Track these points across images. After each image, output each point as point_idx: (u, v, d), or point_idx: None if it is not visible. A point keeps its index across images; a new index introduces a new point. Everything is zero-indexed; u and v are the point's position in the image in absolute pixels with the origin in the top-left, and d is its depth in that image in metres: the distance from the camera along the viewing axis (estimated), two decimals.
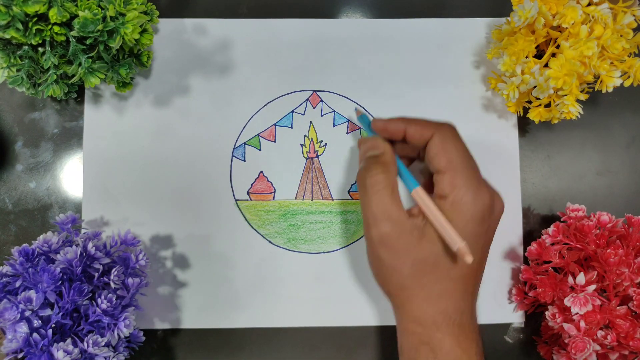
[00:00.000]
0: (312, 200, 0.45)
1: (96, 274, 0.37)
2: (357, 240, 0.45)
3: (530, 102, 0.43)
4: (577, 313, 0.37)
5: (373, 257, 0.35)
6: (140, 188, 0.45)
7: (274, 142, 0.46)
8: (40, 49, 0.37)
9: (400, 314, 0.35)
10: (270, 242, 0.45)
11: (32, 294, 0.34)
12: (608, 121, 0.47)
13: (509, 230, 0.46)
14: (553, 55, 0.40)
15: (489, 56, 0.44)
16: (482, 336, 0.35)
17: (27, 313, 0.34)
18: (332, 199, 0.46)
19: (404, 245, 0.33)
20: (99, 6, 0.36)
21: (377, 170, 0.34)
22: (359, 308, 0.45)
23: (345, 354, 0.45)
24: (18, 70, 0.38)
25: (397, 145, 0.38)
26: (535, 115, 0.42)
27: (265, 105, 0.46)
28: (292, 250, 0.45)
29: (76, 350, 0.34)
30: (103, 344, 0.35)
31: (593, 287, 0.38)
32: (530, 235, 0.46)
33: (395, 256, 0.34)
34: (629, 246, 0.39)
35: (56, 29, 0.35)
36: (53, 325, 0.35)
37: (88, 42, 0.36)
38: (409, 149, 0.38)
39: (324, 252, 0.45)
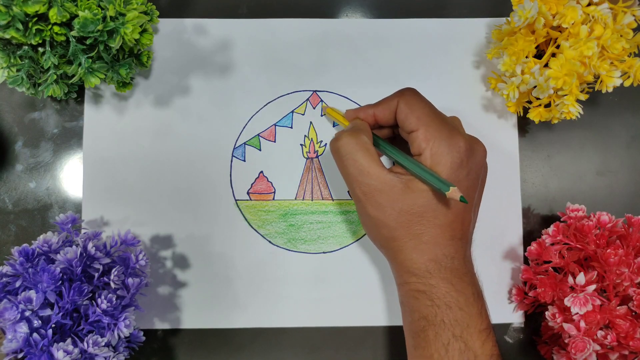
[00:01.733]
0: (312, 200, 0.45)
1: (96, 274, 0.37)
2: (357, 240, 0.45)
3: (530, 102, 0.43)
4: (577, 313, 0.37)
5: (361, 214, 0.38)
6: (140, 188, 0.45)
7: (274, 142, 0.46)
8: (40, 49, 0.37)
9: (395, 266, 0.37)
10: (270, 242, 0.45)
11: (32, 294, 0.34)
12: (608, 121, 0.47)
13: (509, 230, 0.46)
14: (553, 55, 0.40)
15: (489, 56, 0.44)
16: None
17: (27, 313, 0.34)
18: (332, 199, 0.46)
19: (388, 198, 0.35)
20: (99, 6, 0.36)
21: (346, 135, 0.37)
22: (359, 308, 0.45)
23: (345, 354, 0.45)
24: (18, 70, 0.38)
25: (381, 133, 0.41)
26: (535, 115, 0.42)
27: (265, 105, 0.46)
28: (292, 251, 0.45)
29: (76, 350, 0.34)
30: (103, 344, 0.35)
31: (593, 287, 0.38)
32: (530, 235, 0.46)
33: (380, 209, 0.35)
34: (629, 246, 0.39)
35: (56, 29, 0.35)
36: (53, 325, 0.35)
37: (88, 42, 0.36)
38: (388, 131, 0.42)
39: (324, 252, 0.45)
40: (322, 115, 0.46)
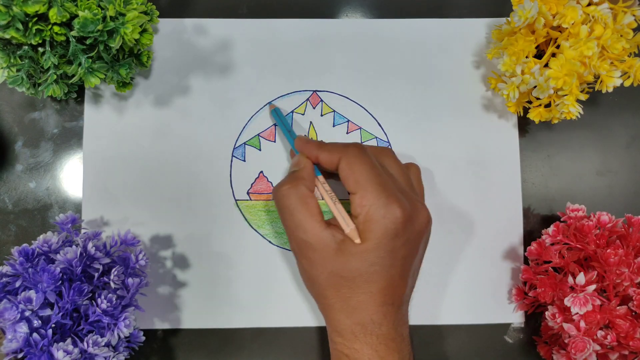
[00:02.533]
0: None
1: (96, 274, 0.37)
2: None
3: (530, 102, 0.43)
4: (577, 313, 0.37)
5: (298, 266, 0.38)
6: (140, 188, 0.45)
7: (274, 142, 0.46)
8: (40, 49, 0.37)
9: (326, 321, 0.37)
10: (270, 242, 0.45)
11: (32, 294, 0.34)
12: (608, 121, 0.47)
13: (509, 230, 0.46)
14: (553, 55, 0.40)
15: (489, 56, 0.44)
16: (411, 343, 0.37)
17: (27, 313, 0.34)
18: None
19: (320, 256, 0.34)
20: (99, 6, 0.36)
21: (288, 186, 0.36)
22: None
23: None
24: (18, 70, 0.38)
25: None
26: (535, 115, 0.42)
27: (266, 105, 0.46)
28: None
29: (76, 350, 0.34)
30: (103, 344, 0.35)
31: (593, 287, 0.38)
32: (530, 235, 0.46)
33: (312, 266, 0.35)
34: (629, 246, 0.39)
35: (56, 29, 0.35)
36: (53, 325, 0.35)
37: (88, 42, 0.36)
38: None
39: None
40: (321, 115, 0.46)
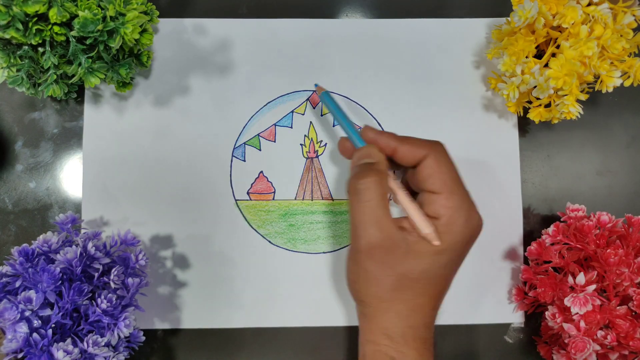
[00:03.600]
0: (312, 200, 0.45)
1: (96, 274, 0.37)
2: None
3: (530, 102, 0.43)
4: (577, 313, 0.37)
5: (356, 265, 0.34)
6: (140, 188, 0.45)
7: (274, 142, 0.46)
8: (40, 49, 0.37)
9: (369, 323, 0.35)
10: (270, 242, 0.45)
11: (32, 294, 0.34)
12: (608, 121, 0.47)
13: (510, 230, 0.46)
14: (553, 55, 0.40)
15: (489, 56, 0.44)
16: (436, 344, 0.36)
17: (27, 313, 0.34)
18: (332, 199, 0.46)
19: (391, 258, 0.33)
20: (99, 6, 0.36)
21: (371, 178, 0.33)
22: None
23: (345, 354, 0.45)
24: (18, 70, 0.38)
25: None
26: (535, 115, 0.42)
27: (265, 105, 0.46)
28: (291, 251, 0.45)
29: (76, 350, 0.34)
30: (103, 344, 0.35)
31: (593, 287, 0.38)
32: (530, 235, 0.46)
33: (380, 267, 0.33)
34: (628, 246, 0.39)
35: (56, 29, 0.35)
36: (53, 325, 0.34)
37: (88, 42, 0.36)
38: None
39: (323, 252, 0.45)
40: (321, 115, 0.46)
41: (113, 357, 0.36)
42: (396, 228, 0.33)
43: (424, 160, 0.34)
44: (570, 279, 0.39)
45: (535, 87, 0.40)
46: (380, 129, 0.43)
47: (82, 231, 0.43)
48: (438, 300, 0.35)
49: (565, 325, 0.38)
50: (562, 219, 0.43)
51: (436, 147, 0.35)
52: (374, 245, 0.33)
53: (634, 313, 0.38)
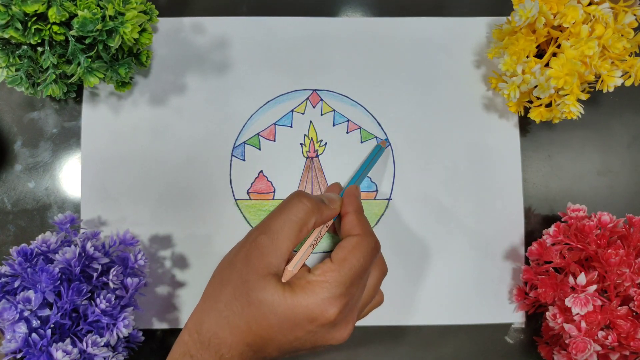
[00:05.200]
0: None
1: (95, 274, 0.37)
2: None
3: (531, 101, 0.43)
4: (577, 313, 0.37)
5: (237, 247, 0.35)
6: (139, 188, 0.45)
7: (274, 141, 0.46)
8: (40, 49, 0.36)
9: (191, 315, 0.35)
10: None
11: (30, 294, 0.34)
12: (609, 121, 0.47)
13: (510, 231, 0.46)
14: (554, 54, 0.40)
15: (489, 56, 0.44)
16: None
17: (26, 313, 0.34)
18: None
19: (254, 267, 0.33)
20: (98, 5, 0.36)
21: (309, 203, 0.35)
22: None
23: (345, 354, 0.45)
24: (17, 70, 0.38)
25: None
26: (536, 115, 0.42)
27: (265, 104, 0.46)
28: None
29: (75, 351, 0.33)
30: (102, 344, 0.35)
31: (594, 287, 0.37)
32: (531, 236, 0.46)
33: (244, 265, 0.33)
34: (629, 246, 0.39)
35: (55, 28, 0.35)
36: (52, 326, 0.34)
37: (87, 41, 0.36)
38: None
39: (323, 252, 0.45)
40: (321, 114, 0.46)
41: (112, 357, 0.36)
42: (285, 254, 0.34)
43: (349, 236, 0.35)
44: (571, 279, 0.38)
45: (536, 86, 0.40)
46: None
47: (81, 231, 0.43)
48: (254, 341, 0.32)
49: (566, 326, 0.38)
50: (563, 219, 0.43)
51: (369, 238, 0.35)
52: (256, 244, 0.34)
53: (634, 313, 0.37)
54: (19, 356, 0.34)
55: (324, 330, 0.33)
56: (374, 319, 0.45)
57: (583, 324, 0.37)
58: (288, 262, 0.34)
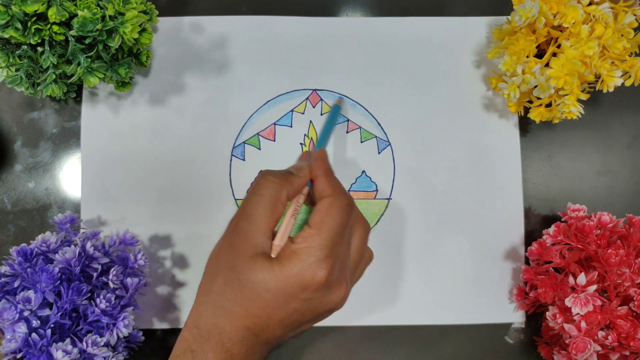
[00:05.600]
0: None
1: (95, 274, 0.37)
2: None
3: (531, 101, 0.43)
4: (577, 313, 0.37)
5: (221, 240, 0.36)
6: (139, 187, 0.45)
7: (274, 141, 0.46)
8: (39, 49, 0.36)
9: (194, 304, 0.35)
10: None
11: (30, 294, 0.34)
12: (609, 121, 0.47)
13: (510, 230, 0.46)
14: (554, 54, 0.40)
15: (489, 56, 0.44)
16: None
17: (26, 313, 0.34)
18: None
19: (239, 251, 0.33)
20: (98, 5, 0.36)
21: (275, 180, 0.35)
22: (359, 308, 0.45)
23: (345, 354, 0.45)
24: (17, 70, 0.38)
25: None
26: (536, 115, 0.42)
27: (265, 104, 0.46)
28: None
29: (75, 350, 0.33)
30: (102, 344, 0.35)
31: (594, 287, 0.37)
32: (531, 236, 0.46)
33: (228, 253, 0.34)
34: (629, 246, 0.39)
35: (55, 28, 0.35)
36: (52, 325, 0.34)
37: (87, 41, 0.36)
38: None
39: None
40: (321, 114, 0.46)
41: (112, 357, 0.36)
42: (267, 237, 0.34)
43: (323, 199, 0.35)
44: (571, 279, 0.38)
45: (536, 86, 0.40)
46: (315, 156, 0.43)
47: (81, 231, 0.43)
48: (252, 322, 0.33)
49: (566, 326, 0.38)
50: (563, 219, 0.43)
51: (341, 196, 0.35)
52: (237, 231, 0.34)
53: (634, 313, 0.37)
54: (19, 356, 0.34)
55: (319, 295, 0.33)
56: (374, 319, 0.45)
57: (583, 324, 0.37)
58: (273, 238, 0.34)
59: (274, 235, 0.35)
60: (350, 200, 0.36)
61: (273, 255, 0.33)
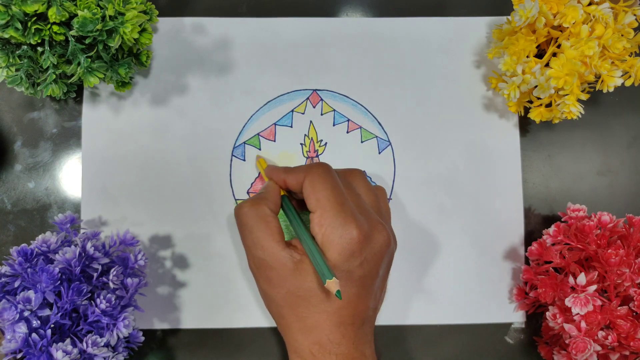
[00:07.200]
0: None
1: (95, 274, 0.37)
2: None
3: (531, 101, 0.43)
4: (577, 313, 0.37)
5: (256, 284, 0.38)
6: (139, 188, 0.45)
7: (274, 141, 0.46)
8: (39, 49, 0.36)
9: (285, 341, 0.37)
10: None
11: (30, 294, 0.34)
12: (609, 121, 0.47)
13: (510, 230, 0.46)
14: (554, 54, 0.40)
15: (489, 56, 0.44)
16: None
17: (26, 313, 0.34)
18: None
19: (277, 275, 0.34)
20: (98, 5, 0.36)
21: (247, 205, 0.36)
22: None
23: None
24: (17, 70, 0.38)
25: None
26: (536, 115, 0.42)
27: (265, 104, 0.46)
28: None
29: (75, 351, 0.33)
30: (102, 344, 0.35)
31: (594, 287, 0.37)
32: (531, 236, 0.46)
33: (270, 285, 0.35)
34: (629, 246, 0.39)
35: (55, 28, 0.35)
36: (52, 326, 0.34)
37: (87, 41, 0.36)
38: None
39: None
40: (322, 114, 0.46)
41: (112, 357, 0.36)
42: (282, 248, 0.35)
43: (303, 183, 0.36)
44: (571, 279, 0.38)
45: (536, 86, 0.40)
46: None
47: (81, 231, 0.43)
48: (340, 316, 0.34)
49: (566, 326, 0.38)
50: (562, 219, 0.43)
51: (312, 168, 0.36)
52: (260, 264, 0.35)
53: (634, 313, 0.37)
54: (19, 356, 0.34)
55: (367, 250, 0.34)
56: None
57: (583, 324, 0.37)
58: (289, 246, 0.35)
59: (288, 244, 0.35)
60: (322, 165, 0.36)
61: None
